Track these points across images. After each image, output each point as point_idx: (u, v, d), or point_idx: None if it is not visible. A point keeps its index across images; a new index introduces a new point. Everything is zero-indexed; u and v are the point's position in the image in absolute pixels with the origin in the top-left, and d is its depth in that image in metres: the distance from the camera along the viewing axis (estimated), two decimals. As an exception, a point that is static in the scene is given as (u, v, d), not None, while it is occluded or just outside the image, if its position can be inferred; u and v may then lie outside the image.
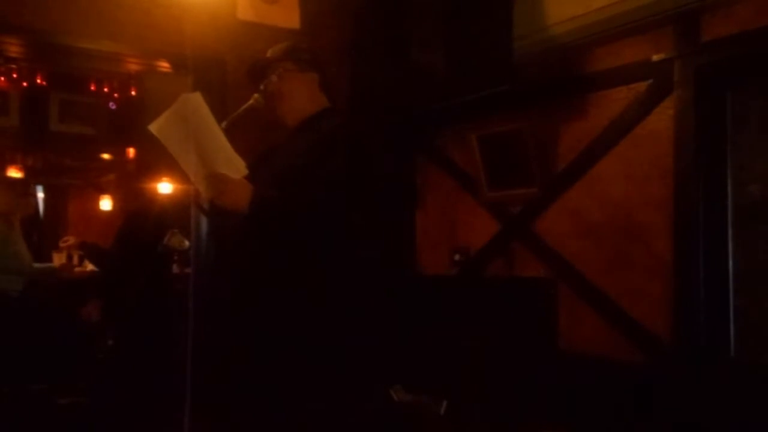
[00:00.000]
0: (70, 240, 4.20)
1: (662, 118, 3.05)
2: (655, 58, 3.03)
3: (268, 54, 2.12)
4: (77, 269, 5.75)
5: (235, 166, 1.86)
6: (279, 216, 1.88)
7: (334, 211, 1.88)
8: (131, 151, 6.96)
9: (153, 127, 1.83)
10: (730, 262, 2.92)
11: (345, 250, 1.94)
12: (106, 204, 7.43)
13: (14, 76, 5.53)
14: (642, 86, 3.13)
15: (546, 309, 3.49)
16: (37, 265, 4.07)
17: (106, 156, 7.42)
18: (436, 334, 3.93)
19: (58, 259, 5.76)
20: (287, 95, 2.06)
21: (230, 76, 3.58)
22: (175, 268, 4.53)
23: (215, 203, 1.85)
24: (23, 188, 4.10)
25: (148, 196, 4.32)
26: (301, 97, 2.08)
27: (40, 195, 7.90)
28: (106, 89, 6.04)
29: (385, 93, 3.86)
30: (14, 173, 6.56)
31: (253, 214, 1.83)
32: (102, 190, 7.39)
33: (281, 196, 1.87)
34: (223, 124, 1.91)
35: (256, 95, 2.03)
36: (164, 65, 3.65)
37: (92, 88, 6.03)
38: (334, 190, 1.86)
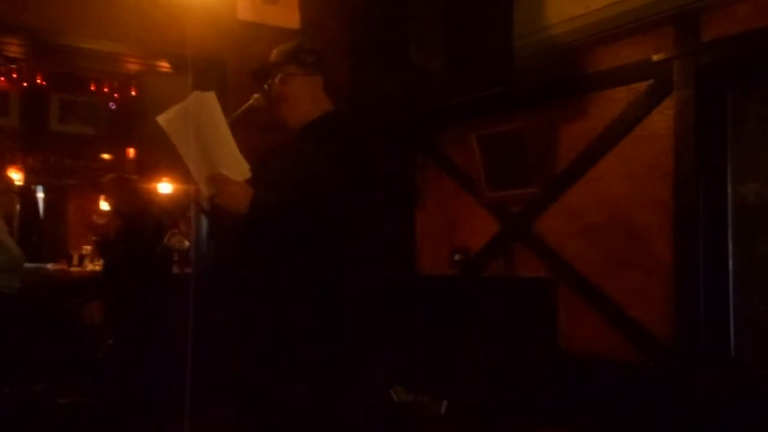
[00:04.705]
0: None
1: (662, 118, 3.05)
2: (655, 58, 3.03)
3: (273, 55, 2.11)
4: (77, 269, 5.76)
5: (238, 169, 1.85)
6: (277, 221, 1.88)
7: (334, 218, 1.87)
8: (131, 151, 6.96)
9: (161, 119, 1.83)
10: (730, 262, 2.92)
11: (345, 254, 1.94)
12: (106, 204, 7.42)
13: (14, 76, 5.54)
14: (642, 86, 3.13)
15: (546, 309, 3.49)
16: (28, 265, 4.05)
17: (106, 156, 7.42)
18: (436, 333, 3.93)
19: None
20: (291, 98, 2.05)
21: (230, 76, 3.58)
22: (175, 269, 4.53)
23: (214, 203, 1.85)
24: (5, 186, 4.09)
25: (147, 196, 4.32)
26: (305, 100, 2.07)
27: (40, 195, 7.89)
28: (106, 89, 6.05)
29: (385, 93, 3.86)
30: (13, 173, 6.56)
31: (252, 217, 1.83)
32: (102, 190, 7.37)
33: (280, 202, 1.87)
34: (223, 124, 1.91)
35: (256, 95, 2.03)
36: (164, 65, 3.65)
37: (92, 88, 6.04)
38: (335, 198, 1.86)
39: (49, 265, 5.51)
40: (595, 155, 3.33)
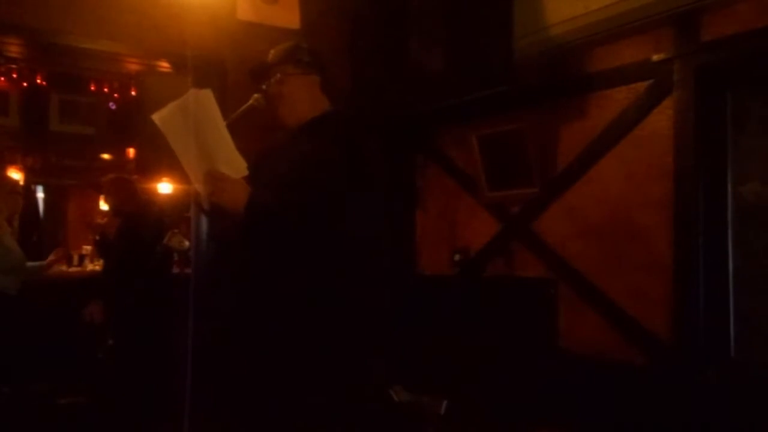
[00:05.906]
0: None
1: (662, 118, 3.05)
2: (655, 58, 3.03)
3: (270, 55, 2.11)
4: (77, 269, 5.77)
5: (235, 167, 1.85)
6: (275, 220, 1.88)
7: (332, 217, 1.87)
8: (131, 151, 6.97)
9: (156, 117, 1.83)
10: (730, 262, 2.92)
11: (344, 253, 1.94)
12: (105, 204, 7.42)
13: (14, 76, 5.54)
14: (642, 86, 3.13)
15: (546, 309, 3.49)
16: (30, 264, 4.05)
17: (106, 156, 7.43)
18: (436, 334, 3.93)
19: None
20: (288, 97, 2.05)
21: (230, 76, 3.58)
22: (175, 269, 4.53)
23: (211, 201, 1.85)
24: (10, 187, 4.09)
25: (147, 196, 4.32)
26: (302, 99, 2.08)
27: (40, 195, 7.90)
28: (106, 89, 6.05)
29: (385, 93, 3.86)
30: (13, 173, 6.56)
31: (249, 216, 1.83)
32: (102, 190, 7.38)
33: (277, 201, 1.87)
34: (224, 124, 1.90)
35: (256, 95, 2.03)
36: (164, 65, 3.65)
37: (92, 88, 6.04)
38: (333, 197, 1.86)
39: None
40: (595, 155, 3.33)
